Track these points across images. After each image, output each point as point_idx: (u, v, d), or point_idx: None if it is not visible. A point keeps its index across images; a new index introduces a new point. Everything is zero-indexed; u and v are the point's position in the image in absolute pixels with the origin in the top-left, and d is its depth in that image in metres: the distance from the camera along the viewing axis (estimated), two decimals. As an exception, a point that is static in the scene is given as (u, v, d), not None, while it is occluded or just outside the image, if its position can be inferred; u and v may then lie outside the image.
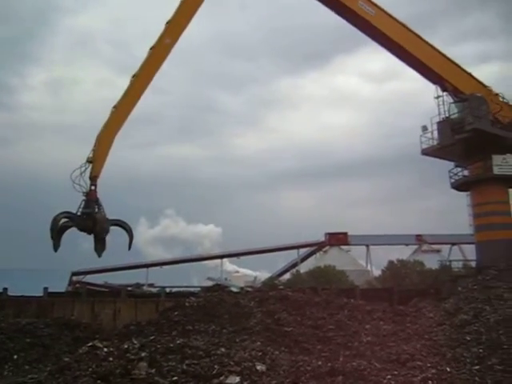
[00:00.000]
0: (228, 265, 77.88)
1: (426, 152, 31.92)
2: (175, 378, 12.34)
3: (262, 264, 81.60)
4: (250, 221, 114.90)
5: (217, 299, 18.10)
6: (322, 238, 75.66)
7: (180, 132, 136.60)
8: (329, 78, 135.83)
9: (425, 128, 31.57)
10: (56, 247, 19.61)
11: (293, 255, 77.59)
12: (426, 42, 30.10)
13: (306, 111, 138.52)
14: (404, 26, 29.40)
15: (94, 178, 20.60)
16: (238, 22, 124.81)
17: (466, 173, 32.32)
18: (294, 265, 74.18)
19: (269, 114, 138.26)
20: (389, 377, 10.87)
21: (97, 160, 20.81)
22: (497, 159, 30.05)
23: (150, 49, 22.30)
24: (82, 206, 20.21)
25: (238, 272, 75.71)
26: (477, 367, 12.11)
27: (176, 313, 17.43)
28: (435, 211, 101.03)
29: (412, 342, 15.36)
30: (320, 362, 12.54)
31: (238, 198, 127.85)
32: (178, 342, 14.27)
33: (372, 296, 24.26)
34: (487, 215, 30.08)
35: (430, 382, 10.33)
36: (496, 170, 29.96)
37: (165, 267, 65.10)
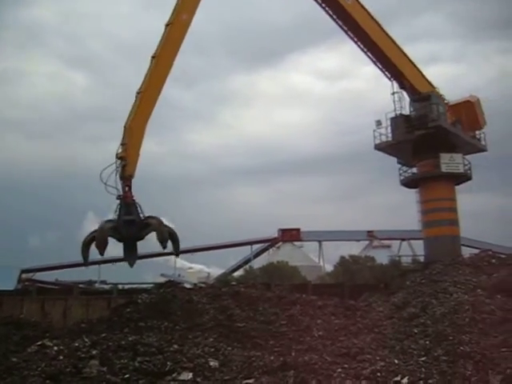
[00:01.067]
0: (181, 261, 77.38)
1: (379, 147, 32.61)
2: (127, 375, 12.28)
3: (215, 260, 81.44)
4: (203, 217, 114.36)
5: (170, 296, 17.99)
6: (275, 234, 76.07)
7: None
8: (283, 76, 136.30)
9: (379, 123, 32.24)
10: (87, 260, 18.15)
11: (246, 251, 77.69)
12: (390, 37, 30.73)
13: (260, 108, 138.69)
14: (373, 18, 29.91)
15: (128, 178, 18.02)
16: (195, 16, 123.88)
17: (414, 170, 33.21)
18: (247, 261, 74.35)
19: (223, 110, 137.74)
20: (339, 370, 11.12)
21: (130, 156, 18.27)
22: (444, 157, 31.02)
23: (166, 26, 20.48)
24: (121, 212, 17.68)
25: (191, 268, 75.24)
26: (423, 358, 12.50)
27: (128, 310, 17.24)
28: (386, 208, 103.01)
29: (362, 335, 15.70)
30: (272, 357, 12.71)
31: (192, 194, 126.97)
32: (130, 339, 14.18)
33: (324, 291, 24.54)
34: (435, 211, 31.03)
35: (378, 374, 10.59)
36: (444, 168, 30.93)
37: (117, 264, 64.27)
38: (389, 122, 32.04)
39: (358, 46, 30.45)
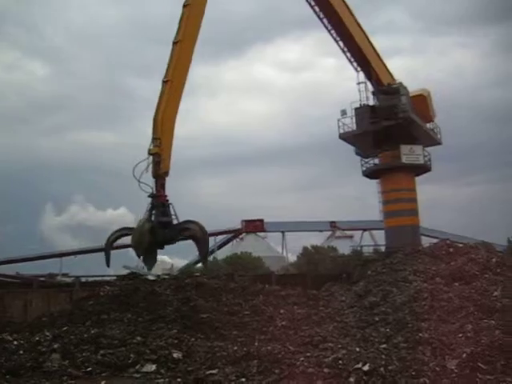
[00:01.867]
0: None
1: (343, 136, 32.95)
2: (89, 368, 12.19)
3: (178, 251, 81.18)
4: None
5: (132, 287, 17.89)
6: (239, 225, 76.19)
7: (93, 118, 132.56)
8: (247, 67, 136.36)
9: (344, 112, 32.58)
10: (109, 260, 17.66)
11: (209, 242, 77.26)
12: (361, 27, 30.97)
13: (223, 99, 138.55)
14: (348, 7, 30.02)
15: (162, 176, 17.19)
16: (154, 5, 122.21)
17: (376, 161, 33.72)
18: (211, 252, 74.26)
19: (186, 100, 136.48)
20: (302, 359, 11.24)
21: (164, 150, 17.24)
22: (405, 148, 31.64)
23: (184, 6, 19.54)
24: (157, 212, 16.96)
25: (154, 260, 74.60)
26: (384, 346, 12.74)
27: (90, 302, 17.08)
28: (348, 198, 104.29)
29: (324, 324, 15.93)
30: (236, 347, 12.78)
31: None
32: (93, 332, 14.08)
33: (287, 281, 24.79)
34: (395, 202, 31.64)
35: (340, 361, 10.75)
36: (404, 159, 31.54)
37: (79, 256, 63.39)
38: (353, 112, 32.41)
39: (331, 34, 30.39)
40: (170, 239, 17.37)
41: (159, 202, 17.01)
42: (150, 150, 17.19)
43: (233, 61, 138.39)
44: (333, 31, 30.31)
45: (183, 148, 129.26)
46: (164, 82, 18.23)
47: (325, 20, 29.83)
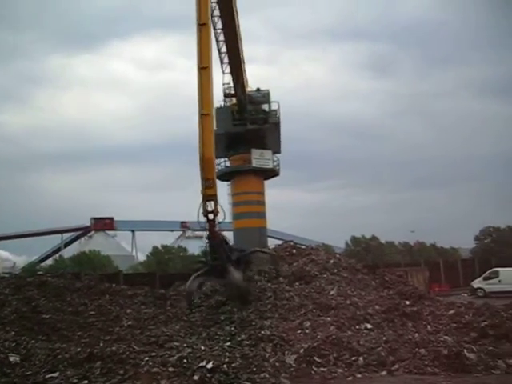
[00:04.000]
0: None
1: None
2: None
3: (22, 249, 76.56)
4: (10, 202, 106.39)
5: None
6: (87, 223, 73.76)
7: None
8: (103, 62, 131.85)
9: None
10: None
11: (56, 240, 74.14)
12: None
13: (77, 93, 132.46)
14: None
15: (216, 214, 16.78)
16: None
17: (228, 164, 34.46)
18: (58, 250, 71.17)
19: (36, 91, 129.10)
20: (147, 358, 11.24)
21: (215, 190, 16.87)
22: (256, 153, 32.70)
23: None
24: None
25: (-5, 257, 69.69)
26: (228, 343, 13.18)
27: None
28: (200, 199, 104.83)
29: (171, 324, 16.07)
30: (79, 349, 12.40)
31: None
32: None
33: (135, 281, 24.56)
34: (245, 204, 32.57)
35: (184, 360, 10.93)
36: (254, 163, 32.57)
37: None
38: (215, 112, 32.73)
39: (216, 35, 29.61)
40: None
41: (221, 240, 17.37)
42: (205, 193, 16.67)
43: (88, 54, 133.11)
44: (223, 31, 29.60)
45: (31, 140, 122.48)
46: (203, 115, 17.35)
47: (222, 19, 29.04)
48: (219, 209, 17.04)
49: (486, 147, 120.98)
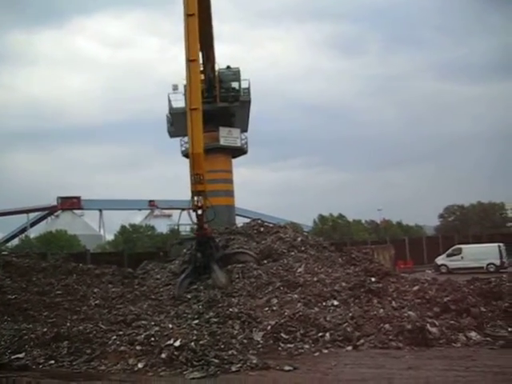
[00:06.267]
0: None
1: (175, 111, 32.75)
2: None
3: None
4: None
5: None
6: (54, 202, 72.81)
7: None
8: (67, 39, 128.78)
9: (175, 87, 32.35)
10: None
11: (22, 220, 72.99)
12: None
13: (41, 70, 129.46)
14: None
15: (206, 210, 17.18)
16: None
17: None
18: (24, 230, 70.20)
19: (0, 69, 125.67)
20: (114, 337, 11.25)
21: (205, 186, 17.22)
22: (223, 131, 32.58)
23: None
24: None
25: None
26: (196, 322, 13.27)
27: None
28: (167, 178, 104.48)
29: (139, 302, 16.05)
30: (45, 329, 12.33)
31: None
32: None
33: (103, 260, 24.42)
34: (213, 182, 32.46)
35: (152, 338, 10.96)
36: (222, 141, 32.47)
37: None
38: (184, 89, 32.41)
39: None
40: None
41: (209, 236, 17.51)
42: (194, 187, 16.83)
43: (52, 31, 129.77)
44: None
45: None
46: (192, 110, 17.62)
47: None
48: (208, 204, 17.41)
49: (449, 127, 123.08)
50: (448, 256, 35.11)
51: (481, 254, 33.27)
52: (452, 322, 12.27)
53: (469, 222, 61.15)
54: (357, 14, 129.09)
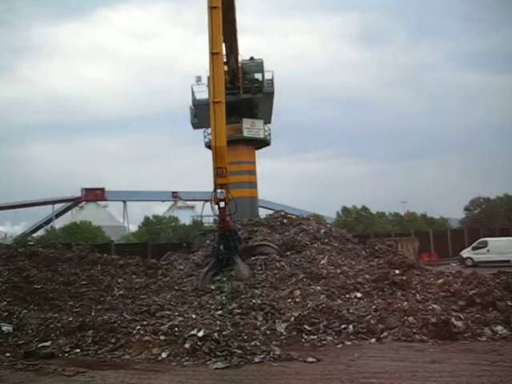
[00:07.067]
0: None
1: (198, 102, 32.70)
2: None
3: (15, 220, 76.44)
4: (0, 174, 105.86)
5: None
6: (79, 194, 73.61)
7: None
8: (90, 31, 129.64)
9: (199, 79, 32.29)
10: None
11: (48, 211, 74.01)
12: None
13: (64, 62, 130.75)
14: None
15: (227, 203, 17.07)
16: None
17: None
18: (49, 221, 71.13)
19: (18, 61, 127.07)
20: (138, 327, 11.35)
21: (228, 179, 17.04)
22: (247, 122, 32.44)
23: None
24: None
25: (-14, 228, 69.74)
26: (219, 312, 13.31)
27: None
28: (191, 169, 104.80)
29: (163, 293, 16.16)
30: (71, 318, 12.51)
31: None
32: None
33: (127, 251, 24.66)
34: (237, 174, 32.42)
35: (176, 328, 11.03)
36: (246, 133, 32.36)
37: None
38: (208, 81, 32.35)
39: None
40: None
41: (231, 229, 17.32)
42: (217, 181, 16.81)
43: (75, 23, 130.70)
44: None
45: (16, 112, 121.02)
46: (215, 103, 17.45)
47: None
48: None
49: (475, 118, 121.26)
50: (473, 249, 34.67)
51: (507, 247, 32.77)
52: (478, 315, 12.11)
53: (495, 215, 60.20)
54: (382, 3, 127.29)
